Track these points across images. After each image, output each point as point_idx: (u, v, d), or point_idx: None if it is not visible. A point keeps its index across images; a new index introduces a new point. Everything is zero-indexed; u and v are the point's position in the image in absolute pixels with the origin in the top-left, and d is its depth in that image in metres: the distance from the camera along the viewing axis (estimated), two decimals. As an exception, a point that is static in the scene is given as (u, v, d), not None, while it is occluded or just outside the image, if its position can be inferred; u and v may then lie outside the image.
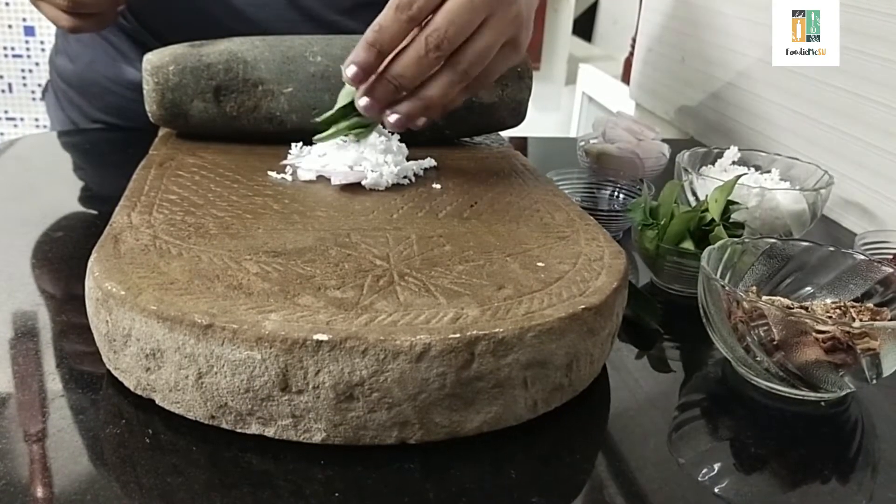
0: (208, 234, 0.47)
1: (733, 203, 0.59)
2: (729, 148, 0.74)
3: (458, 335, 0.37)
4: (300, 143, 0.61)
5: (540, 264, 0.45)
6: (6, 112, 2.32)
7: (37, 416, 0.41)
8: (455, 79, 0.52)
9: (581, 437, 0.42)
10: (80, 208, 0.69)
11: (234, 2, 0.79)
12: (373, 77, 0.52)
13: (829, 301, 0.50)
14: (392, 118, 0.53)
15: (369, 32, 0.51)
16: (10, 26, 2.22)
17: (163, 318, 0.38)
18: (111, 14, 0.69)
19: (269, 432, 0.39)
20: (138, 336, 0.39)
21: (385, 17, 0.50)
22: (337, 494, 0.36)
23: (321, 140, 0.57)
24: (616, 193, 0.72)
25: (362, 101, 0.53)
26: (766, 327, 0.44)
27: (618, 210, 0.69)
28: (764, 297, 0.49)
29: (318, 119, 0.57)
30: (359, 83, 0.52)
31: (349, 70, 0.51)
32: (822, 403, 0.46)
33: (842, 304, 0.49)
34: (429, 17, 0.50)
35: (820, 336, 0.43)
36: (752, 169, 0.73)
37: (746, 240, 0.53)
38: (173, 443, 0.39)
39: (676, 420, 0.45)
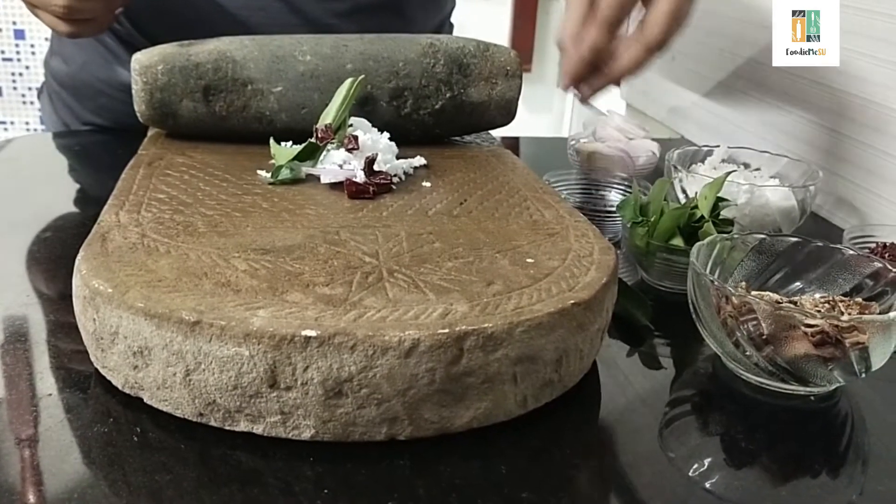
0: (196, 233, 0.47)
1: (723, 200, 0.59)
2: (718, 146, 0.74)
3: (447, 330, 0.37)
4: (290, 143, 0.61)
5: (529, 260, 0.45)
6: (-4, 116, 2.31)
7: (25, 416, 0.40)
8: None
9: (571, 432, 0.42)
10: (69, 209, 0.68)
11: (230, 6, 0.79)
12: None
13: (818, 296, 0.50)
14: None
15: (585, 49, 0.60)
16: None
17: (150, 316, 0.38)
18: (108, 18, 0.69)
19: (258, 429, 0.39)
20: (126, 334, 0.39)
21: (594, 34, 0.59)
22: (326, 491, 0.36)
23: (277, 182, 0.56)
24: (613, 194, 0.72)
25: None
26: (755, 322, 0.44)
27: (615, 211, 0.69)
28: (753, 293, 0.49)
29: (271, 177, 0.57)
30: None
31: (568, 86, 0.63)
32: (812, 398, 0.47)
33: (830, 298, 0.49)
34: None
35: (809, 330, 0.43)
36: (742, 166, 0.73)
37: (736, 236, 0.53)
38: (162, 441, 0.39)
39: (667, 416, 0.45)
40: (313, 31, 0.80)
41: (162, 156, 0.60)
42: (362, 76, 0.61)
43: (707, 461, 0.41)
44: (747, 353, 0.45)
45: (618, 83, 0.62)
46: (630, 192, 0.70)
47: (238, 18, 0.79)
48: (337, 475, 0.37)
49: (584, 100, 0.65)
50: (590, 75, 0.62)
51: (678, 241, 0.56)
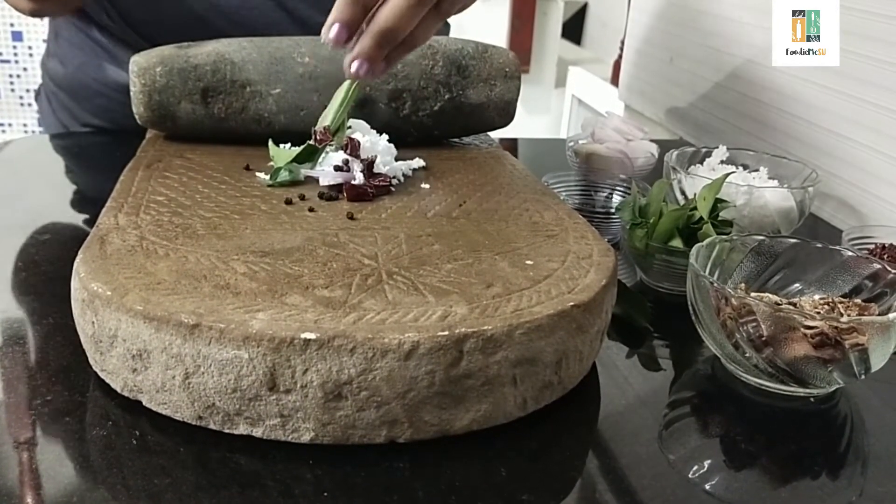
0: (195, 235, 0.46)
1: (722, 201, 0.59)
2: (717, 147, 0.74)
3: (446, 333, 0.37)
4: (288, 145, 0.61)
5: (529, 262, 0.45)
6: (-6, 117, 2.31)
7: (23, 420, 0.40)
8: (440, 19, 0.48)
9: (571, 434, 0.42)
10: (68, 211, 0.68)
11: (222, 3, 0.79)
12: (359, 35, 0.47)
13: (817, 297, 0.50)
14: (381, 67, 0.48)
15: None
16: (-3, 31, 2.21)
17: (149, 319, 0.38)
18: None
19: (257, 432, 0.38)
20: (125, 337, 0.39)
21: None
22: (326, 494, 0.36)
23: (276, 184, 0.56)
24: (612, 196, 0.72)
25: (354, 66, 0.47)
26: (754, 324, 0.44)
27: (614, 213, 0.69)
28: (752, 294, 0.49)
29: (270, 180, 0.57)
30: (343, 44, 0.47)
31: (333, 30, 0.47)
32: (812, 399, 0.47)
33: (830, 299, 0.49)
34: None
35: (808, 332, 0.43)
36: (741, 167, 0.73)
37: (735, 237, 0.53)
38: (161, 444, 0.39)
39: (666, 417, 0.45)
40: (301, 29, 0.80)
41: (160, 158, 0.60)
42: None
43: (707, 463, 0.41)
44: (747, 355, 0.45)
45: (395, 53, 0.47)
46: (629, 194, 0.70)
47: (227, 15, 0.80)
48: (336, 478, 0.37)
49: (372, 68, 0.48)
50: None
51: (677, 243, 0.56)
